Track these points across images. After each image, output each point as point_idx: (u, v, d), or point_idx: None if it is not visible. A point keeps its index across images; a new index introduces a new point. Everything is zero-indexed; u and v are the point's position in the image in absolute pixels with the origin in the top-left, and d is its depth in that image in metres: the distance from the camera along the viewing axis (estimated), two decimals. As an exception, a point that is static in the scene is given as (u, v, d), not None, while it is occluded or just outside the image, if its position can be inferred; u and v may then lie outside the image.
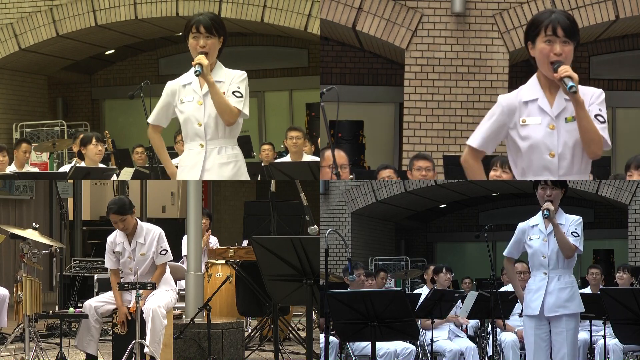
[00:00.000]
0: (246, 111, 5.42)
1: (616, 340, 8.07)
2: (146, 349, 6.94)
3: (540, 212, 5.71)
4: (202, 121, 5.38)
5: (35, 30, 15.06)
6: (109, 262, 7.50)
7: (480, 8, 12.65)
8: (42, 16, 15.00)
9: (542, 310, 5.72)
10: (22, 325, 7.26)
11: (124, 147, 14.04)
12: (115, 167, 10.51)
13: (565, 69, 4.23)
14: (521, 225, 5.88)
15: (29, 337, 7.09)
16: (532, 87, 4.38)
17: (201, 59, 5.30)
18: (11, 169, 10.54)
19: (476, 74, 12.61)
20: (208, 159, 5.40)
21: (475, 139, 4.45)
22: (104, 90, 19.03)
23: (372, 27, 12.79)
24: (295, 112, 18.16)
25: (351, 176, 7.19)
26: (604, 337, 8.75)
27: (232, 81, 5.42)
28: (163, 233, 7.46)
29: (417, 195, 17.26)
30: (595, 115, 4.27)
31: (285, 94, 18.40)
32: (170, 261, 7.57)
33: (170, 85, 5.54)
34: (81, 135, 9.45)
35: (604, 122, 4.30)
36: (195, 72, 5.30)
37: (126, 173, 10.37)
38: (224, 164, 5.44)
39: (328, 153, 6.81)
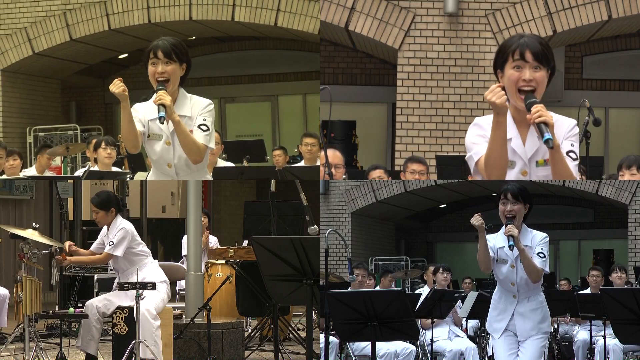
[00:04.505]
0: (212, 145, 5.13)
1: (616, 340, 8.07)
2: (150, 355, 6.94)
3: (502, 229, 5.34)
4: (172, 162, 5.13)
5: (48, 35, 15.07)
6: (95, 243, 7.72)
7: (473, 8, 12.65)
8: (55, 20, 15.00)
9: (514, 332, 5.46)
10: (22, 325, 7.27)
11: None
12: (128, 170, 10.52)
13: (539, 113, 3.88)
14: (490, 240, 5.42)
15: (29, 337, 7.09)
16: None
17: (163, 97, 4.89)
18: (31, 171, 10.64)
19: (469, 74, 12.61)
20: None
21: (478, 153, 4.10)
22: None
23: (364, 27, 12.80)
24: (309, 115, 18.15)
25: (344, 176, 7.22)
26: (604, 337, 8.77)
27: (199, 114, 5.07)
28: (126, 229, 7.45)
29: (417, 195, 17.26)
30: (568, 152, 4.01)
31: (299, 97, 18.39)
32: (140, 258, 7.56)
33: (137, 114, 5.12)
34: (94, 140, 9.52)
35: (577, 159, 4.03)
36: (159, 117, 4.87)
37: (140, 177, 10.39)
38: None
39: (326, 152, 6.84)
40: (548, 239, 5.42)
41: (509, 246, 5.21)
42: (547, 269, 5.37)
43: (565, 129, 4.06)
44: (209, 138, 5.06)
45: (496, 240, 5.45)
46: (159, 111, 4.88)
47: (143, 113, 5.15)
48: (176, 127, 4.98)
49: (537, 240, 5.39)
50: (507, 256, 5.39)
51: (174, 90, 5.04)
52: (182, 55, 5.05)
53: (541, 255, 5.34)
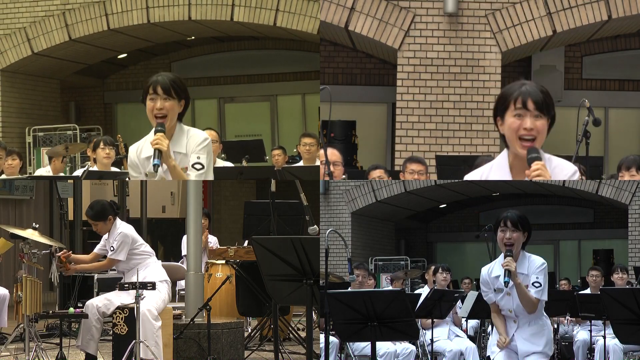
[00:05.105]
0: (210, 177, 5.05)
1: (616, 340, 8.08)
2: (150, 355, 6.95)
3: (501, 257, 5.35)
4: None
5: (47, 35, 15.06)
6: (98, 245, 7.76)
7: (473, 8, 12.64)
8: (54, 20, 15.00)
9: (515, 351, 5.43)
10: (22, 325, 7.27)
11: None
12: (127, 170, 10.56)
13: (537, 172, 3.87)
14: (483, 275, 5.47)
15: (29, 337, 7.09)
16: (499, 170, 4.08)
17: (160, 142, 4.76)
18: (48, 172, 10.70)
19: (469, 74, 12.60)
20: None
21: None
22: (117, 94, 19.01)
23: (364, 27, 12.78)
24: (308, 115, 18.15)
25: (344, 176, 7.22)
26: (604, 337, 8.76)
27: (193, 151, 4.94)
28: (124, 234, 7.53)
29: (417, 195, 17.26)
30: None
31: (298, 97, 18.40)
32: (143, 257, 7.60)
33: (131, 160, 5.07)
34: (94, 140, 9.56)
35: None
36: (154, 165, 4.74)
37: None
38: None
39: (322, 152, 6.84)
40: (545, 265, 5.38)
41: (505, 282, 5.22)
42: (545, 297, 5.36)
43: (565, 176, 4.01)
44: (204, 175, 4.96)
45: (493, 269, 5.43)
46: (154, 157, 4.78)
47: (137, 153, 5.05)
48: (171, 171, 4.88)
49: (533, 267, 5.35)
50: (502, 285, 5.35)
51: (172, 125, 4.94)
52: (181, 91, 4.94)
53: (536, 285, 5.30)
